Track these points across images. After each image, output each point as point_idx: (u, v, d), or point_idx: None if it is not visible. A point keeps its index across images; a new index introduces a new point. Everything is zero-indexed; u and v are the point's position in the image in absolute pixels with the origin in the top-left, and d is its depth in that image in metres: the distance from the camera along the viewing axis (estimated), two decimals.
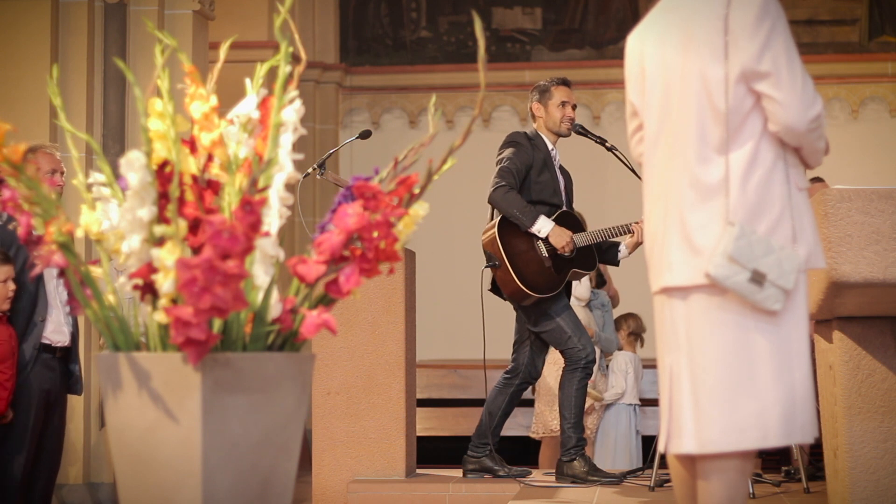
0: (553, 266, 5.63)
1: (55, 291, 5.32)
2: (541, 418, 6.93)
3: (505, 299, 5.76)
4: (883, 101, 10.58)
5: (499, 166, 5.61)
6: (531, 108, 5.79)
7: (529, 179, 5.63)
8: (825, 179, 6.40)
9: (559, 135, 5.76)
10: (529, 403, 7.29)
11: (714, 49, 2.98)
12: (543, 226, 5.57)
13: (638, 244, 5.71)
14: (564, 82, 5.78)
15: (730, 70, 2.96)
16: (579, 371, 5.61)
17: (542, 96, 5.75)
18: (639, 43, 3.18)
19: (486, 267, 5.66)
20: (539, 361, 5.81)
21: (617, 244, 5.82)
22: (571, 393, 5.62)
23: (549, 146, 5.74)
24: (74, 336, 5.40)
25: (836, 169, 6.80)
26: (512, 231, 5.61)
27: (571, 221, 5.74)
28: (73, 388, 5.46)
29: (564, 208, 5.75)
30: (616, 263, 5.98)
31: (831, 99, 10.46)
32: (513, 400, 5.79)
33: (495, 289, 5.72)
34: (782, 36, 2.96)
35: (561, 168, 5.83)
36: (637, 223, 5.69)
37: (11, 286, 5.07)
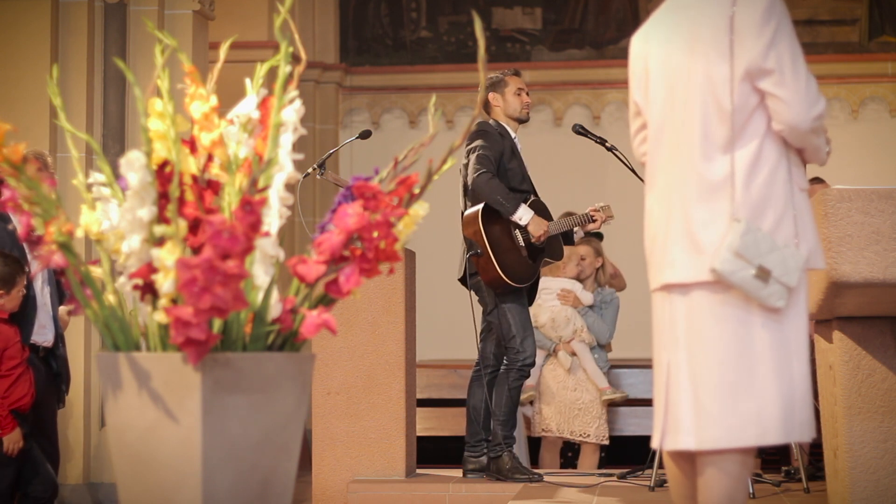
0: (528, 255, 5.71)
1: (41, 292, 5.36)
2: (538, 417, 6.92)
3: (469, 289, 5.79)
4: (883, 101, 10.58)
5: (475, 154, 5.63)
6: (487, 100, 5.82)
7: (502, 167, 5.68)
8: (825, 179, 6.40)
9: (519, 121, 5.82)
10: None
11: (720, 48, 2.99)
12: (524, 214, 5.63)
13: (599, 225, 5.88)
14: (516, 73, 5.89)
15: (735, 68, 2.97)
16: (514, 371, 5.67)
17: (496, 87, 5.81)
18: (643, 43, 3.19)
19: (470, 255, 5.67)
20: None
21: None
22: (504, 392, 5.68)
23: (512, 134, 5.80)
24: (58, 337, 5.42)
25: (836, 169, 6.79)
26: (491, 218, 5.65)
27: (542, 210, 5.80)
28: (59, 391, 5.48)
29: (534, 197, 5.80)
30: (572, 243, 6.16)
31: (831, 99, 10.45)
32: (491, 390, 5.81)
33: (464, 279, 5.74)
34: (787, 35, 2.97)
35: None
36: (596, 210, 5.84)
37: (23, 290, 5.14)
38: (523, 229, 5.65)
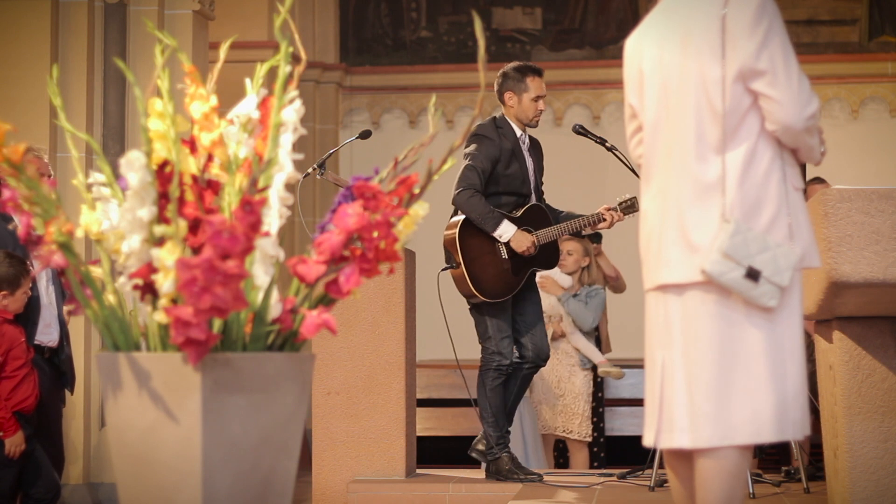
0: (511, 268, 5.62)
1: (45, 291, 5.35)
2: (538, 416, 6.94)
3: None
4: (883, 101, 10.58)
5: (463, 166, 5.58)
6: (503, 96, 5.71)
7: (497, 173, 5.62)
8: (825, 179, 6.40)
9: (528, 126, 5.74)
10: None
11: (712, 49, 3.00)
12: (505, 231, 5.57)
13: (610, 225, 5.72)
14: (539, 72, 5.72)
15: (727, 69, 2.98)
16: (491, 371, 5.66)
17: (516, 86, 5.68)
18: (637, 45, 3.20)
19: (444, 269, 5.64)
20: (537, 340, 5.74)
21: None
22: (485, 393, 5.68)
23: (518, 132, 5.70)
24: (63, 336, 5.41)
25: (836, 169, 6.79)
26: (472, 231, 5.61)
27: (537, 216, 5.71)
28: (65, 385, 5.49)
29: (533, 200, 5.72)
30: (581, 236, 6.00)
31: (831, 99, 10.46)
32: (524, 385, 5.79)
33: None
34: (779, 35, 2.98)
35: (531, 146, 5.79)
36: (608, 209, 5.70)
37: (28, 292, 5.14)
38: (507, 244, 5.61)
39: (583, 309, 6.88)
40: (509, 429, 5.78)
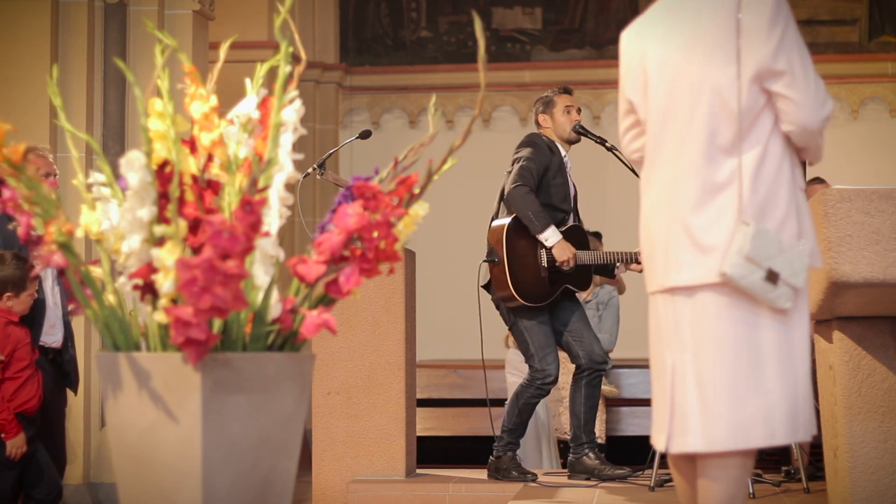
0: (548, 277, 5.63)
1: (51, 292, 5.35)
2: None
3: (493, 299, 5.75)
4: (883, 101, 10.58)
5: (518, 164, 5.61)
6: (538, 121, 5.83)
7: (546, 181, 5.65)
8: (825, 179, 6.40)
9: (569, 142, 5.79)
10: None
11: (726, 50, 2.98)
12: (551, 236, 5.57)
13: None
14: (566, 90, 5.87)
15: (743, 70, 2.96)
16: (533, 388, 5.65)
17: (546, 107, 5.81)
18: (638, 41, 3.17)
19: (485, 261, 5.66)
20: (586, 345, 5.71)
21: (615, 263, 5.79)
22: (518, 403, 5.67)
23: (563, 153, 5.77)
24: (67, 337, 5.41)
25: (836, 169, 6.79)
26: (519, 232, 5.61)
27: (579, 237, 5.73)
28: (68, 386, 5.48)
29: (573, 222, 5.76)
30: (612, 276, 5.98)
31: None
32: (592, 393, 5.75)
33: (488, 286, 5.72)
34: (794, 37, 2.98)
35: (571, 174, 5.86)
36: None
37: (34, 294, 5.15)
38: (549, 251, 5.59)
39: (604, 337, 6.88)
40: (588, 439, 5.76)
